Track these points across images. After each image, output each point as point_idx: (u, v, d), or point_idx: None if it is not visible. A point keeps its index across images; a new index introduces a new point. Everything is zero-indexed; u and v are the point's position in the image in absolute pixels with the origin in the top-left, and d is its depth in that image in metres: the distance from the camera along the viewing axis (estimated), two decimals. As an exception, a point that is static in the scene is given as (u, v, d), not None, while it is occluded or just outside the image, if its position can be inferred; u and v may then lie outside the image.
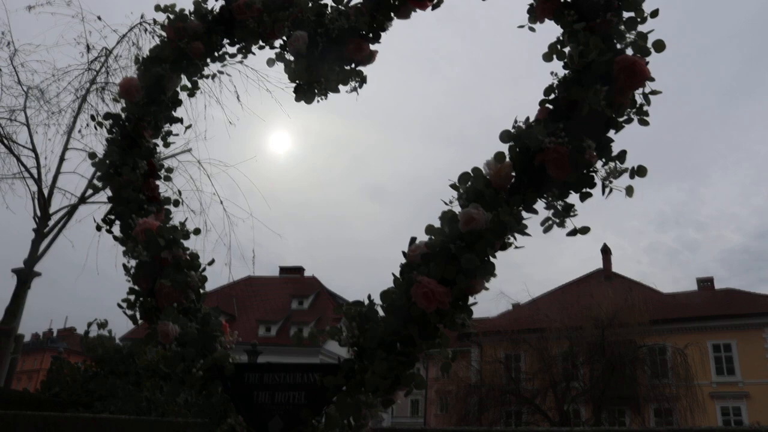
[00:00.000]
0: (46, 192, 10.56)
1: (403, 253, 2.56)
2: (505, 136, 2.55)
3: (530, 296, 36.22)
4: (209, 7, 3.89)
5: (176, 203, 3.68)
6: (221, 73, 4.01)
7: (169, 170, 3.88)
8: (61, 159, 10.86)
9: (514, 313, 34.46)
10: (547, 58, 2.78)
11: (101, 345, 10.19)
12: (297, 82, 3.32)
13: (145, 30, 11.12)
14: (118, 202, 3.53)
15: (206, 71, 4.01)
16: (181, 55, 3.85)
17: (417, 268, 2.47)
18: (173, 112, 3.98)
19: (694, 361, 31.93)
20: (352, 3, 3.38)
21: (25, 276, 10.52)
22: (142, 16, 11.38)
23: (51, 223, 10.60)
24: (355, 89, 3.35)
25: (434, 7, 3.28)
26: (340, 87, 3.36)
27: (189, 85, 4.05)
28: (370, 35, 3.32)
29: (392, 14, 3.33)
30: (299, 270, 54.22)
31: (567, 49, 2.73)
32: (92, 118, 3.93)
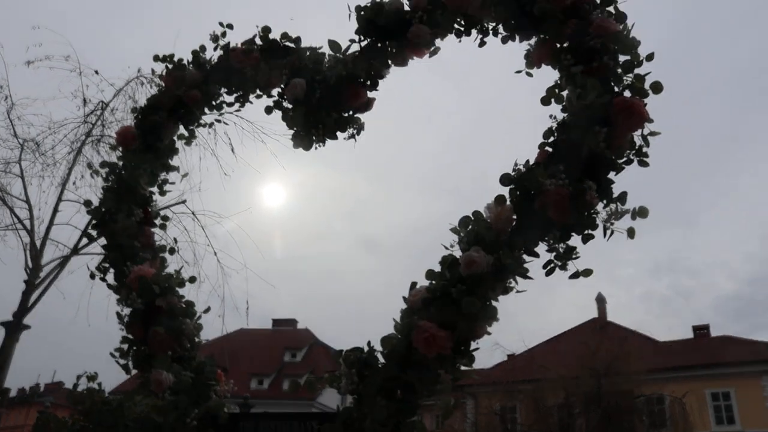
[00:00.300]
0: (38, 243, 10.48)
1: (404, 298, 2.52)
2: (505, 179, 2.55)
3: (525, 346, 35.86)
4: (207, 57, 3.94)
5: (171, 251, 3.64)
6: (218, 122, 4.02)
7: (165, 218, 3.86)
8: (55, 210, 10.81)
9: (509, 364, 34.03)
10: (545, 101, 2.81)
11: (89, 397, 9.94)
12: (295, 129, 3.32)
13: (142, 83, 11.24)
14: (113, 248, 3.49)
15: (203, 120, 4.03)
16: (178, 103, 3.88)
17: (418, 312, 2.43)
18: (169, 161, 3.98)
19: (693, 410, 31.48)
20: (349, 51, 3.42)
21: (13, 329, 10.34)
22: (138, 70, 11.50)
23: (42, 274, 10.49)
24: (352, 136, 3.36)
25: (431, 54, 3.33)
26: (338, 134, 3.37)
27: (186, 133, 4.07)
28: (368, 82, 3.35)
29: (389, 62, 3.36)
30: (292, 322, 53.59)
31: (565, 93, 2.76)
32: (89, 166, 3.96)
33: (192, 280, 3.58)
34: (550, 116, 2.67)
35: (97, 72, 11.53)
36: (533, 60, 2.98)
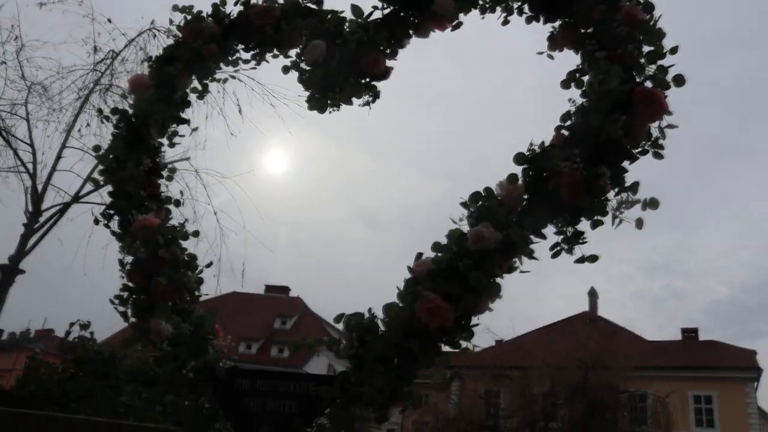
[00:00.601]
0: (39, 188, 10.47)
1: (409, 267, 2.53)
2: (519, 158, 2.54)
3: (515, 333, 36.09)
4: (227, 11, 3.89)
5: (177, 203, 3.64)
6: (233, 77, 3.99)
7: (172, 170, 3.84)
8: (58, 156, 10.81)
9: (497, 349, 34.27)
10: (566, 85, 2.79)
11: (81, 346, 10.04)
12: (310, 91, 3.30)
13: (154, 36, 11.18)
14: (119, 196, 3.49)
15: (217, 75, 4.00)
16: (194, 56, 3.84)
17: (422, 283, 2.44)
18: (181, 113, 3.96)
19: (675, 410, 31.78)
20: (371, 18, 3.38)
21: (9, 272, 10.38)
22: (152, 22, 11.45)
23: (42, 219, 10.50)
24: (368, 103, 3.34)
25: (454, 28, 3.29)
26: (353, 100, 3.34)
27: (200, 87, 4.04)
28: (388, 51, 3.32)
29: (411, 32, 3.33)
30: (285, 289, 53.86)
31: (586, 78, 2.74)
32: (98, 111, 3.89)
33: (195, 234, 3.57)
34: (569, 100, 2.66)
35: (110, 20, 11.46)
36: (557, 43, 2.95)
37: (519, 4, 3.14)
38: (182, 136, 4.04)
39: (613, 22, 2.67)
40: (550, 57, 3.01)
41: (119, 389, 8.28)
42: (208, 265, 3.40)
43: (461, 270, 2.38)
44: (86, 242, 10.78)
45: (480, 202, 2.54)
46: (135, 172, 3.49)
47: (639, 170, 2.57)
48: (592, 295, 44.20)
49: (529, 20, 3.10)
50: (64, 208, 10.72)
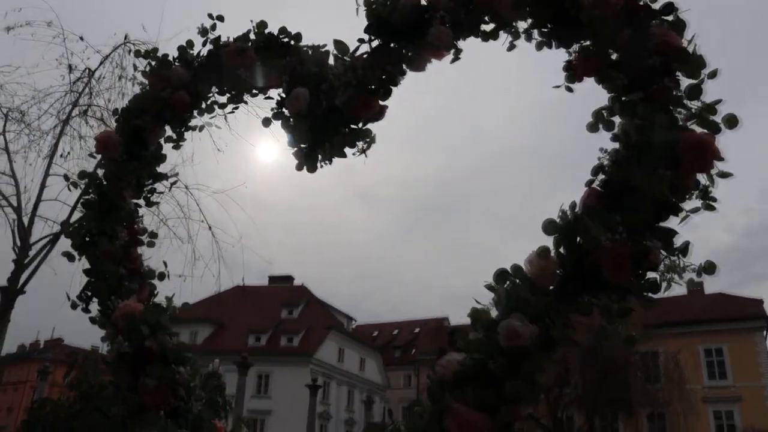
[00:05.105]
0: (26, 221, 10.02)
1: (429, 377, 2.17)
2: (550, 228, 2.17)
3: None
4: (196, 52, 3.48)
5: (161, 277, 3.27)
6: (210, 125, 3.59)
7: (153, 235, 3.46)
8: (42, 186, 10.34)
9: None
10: (593, 128, 2.41)
11: (85, 381, 9.69)
12: (298, 147, 2.90)
13: (129, 51, 10.66)
14: (95, 276, 3.12)
15: (193, 122, 3.60)
16: (164, 106, 3.44)
17: (449, 388, 2.08)
18: (157, 168, 3.57)
19: (687, 365, 31.84)
20: (358, 52, 2.97)
21: (8, 296, 9.99)
22: (125, 37, 10.92)
23: (32, 253, 10.08)
24: (363, 151, 2.95)
25: (454, 58, 2.90)
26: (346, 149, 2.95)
27: (174, 136, 3.65)
28: (380, 91, 2.92)
29: (405, 67, 2.93)
30: (289, 279, 53.65)
31: (616, 119, 2.36)
32: (65, 178, 3.51)
33: (185, 306, 3.23)
34: (601, 150, 2.28)
35: (81, 38, 10.94)
36: (576, 73, 2.56)
37: (526, 27, 2.74)
38: (161, 193, 3.67)
39: (644, 50, 2.29)
40: (569, 90, 2.62)
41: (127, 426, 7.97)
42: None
43: (494, 371, 2.02)
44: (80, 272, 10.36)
45: (508, 283, 2.17)
46: (110, 247, 3.12)
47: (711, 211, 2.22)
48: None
49: (539, 46, 2.71)
50: (54, 238, 10.28)
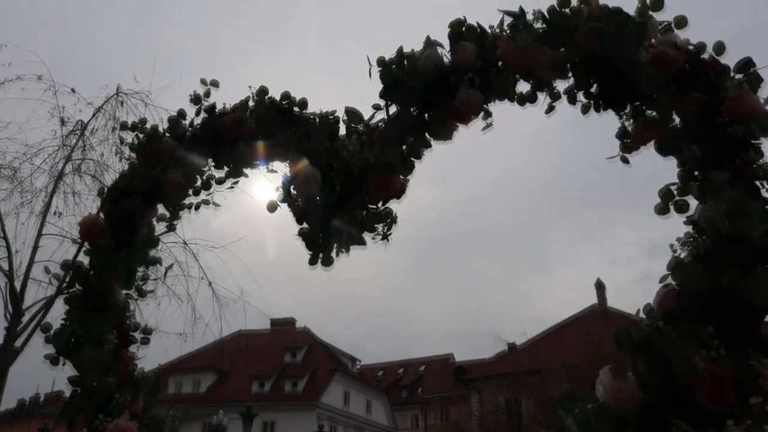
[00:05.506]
0: (18, 285, 9.54)
1: None
2: (625, 341, 1.77)
3: (527, 336, 35.44)
4: (189, 120, 3.13)
5: (154, 392, 2.85)
6: (207, 203, 3.21)
7: (148, 332, 3.05)
8: (35, 247, 9.89)
9: (511, 356, 33.63)
10: (663, 211, 2.03)
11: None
12: (311, 239, 2.49)
13: (122, 103, 10.38)
14: (81, 388, 2.71)
15: (188, 200, 3.23)
16: (155, 185, 3.07)
17: None
18: (149, 254, 3.18)
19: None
20: (372, 120, 2.61)
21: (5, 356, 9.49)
22: (118, 88, 10.65)
23: (26, 319, 9.57)
24: (386, 236, 2.55)
25: (485, 125, 2.53)
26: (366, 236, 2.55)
27: (167, 214, 3.28)
28: (402, 166, 2.54)
29: (428, 136, 2.56)
30: (291, 322, 52.78)
31: (689, 199, 1.99)
32: (46, 270, 3.13)
33: (184, 416, 2.81)
34: (672, 248, 1.88)
35: (73, 90, 10.67)
36: (634, 143, 2.19)
37: (568, 87, 2.39)
38: (155, 279, 3.28)
39: (719, 117, 1.92)
40: (625, 161, 2.25)
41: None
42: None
43: None
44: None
45: (577, 410, 1.77)
46: (97, 355, 2.70)
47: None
48: (600, 287, 43.35)
49: (585, 109, 2.35)
50: (49, 303, 9.79)
